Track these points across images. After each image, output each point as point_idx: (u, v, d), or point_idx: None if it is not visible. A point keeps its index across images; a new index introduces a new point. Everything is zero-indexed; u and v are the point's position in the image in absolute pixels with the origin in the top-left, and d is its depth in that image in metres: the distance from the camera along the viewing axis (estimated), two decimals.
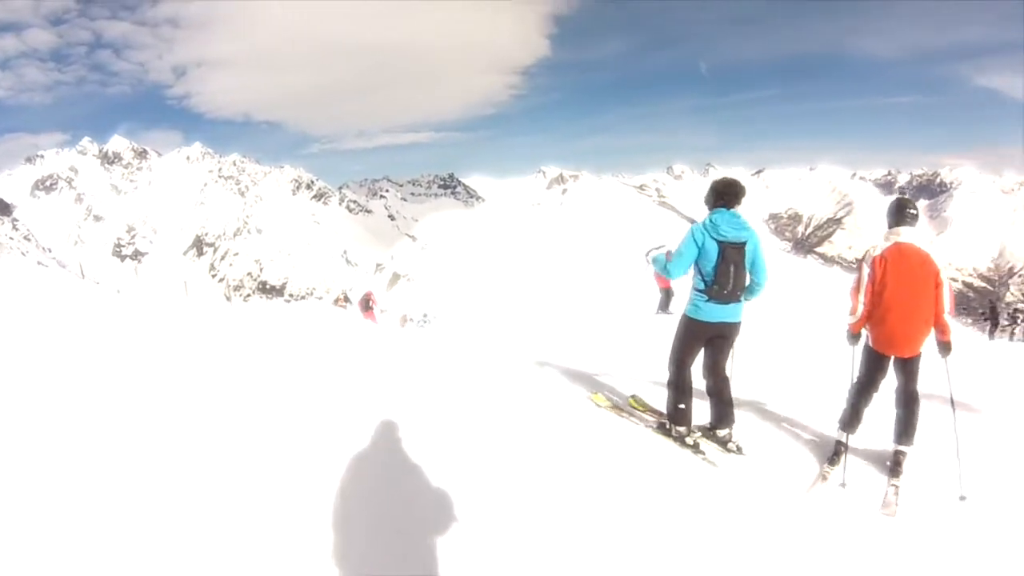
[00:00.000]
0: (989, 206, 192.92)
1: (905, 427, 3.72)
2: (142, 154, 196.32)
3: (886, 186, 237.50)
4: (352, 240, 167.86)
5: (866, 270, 3.70)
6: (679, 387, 4.06)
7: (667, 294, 13.43)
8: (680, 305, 10.46)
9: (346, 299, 18.87)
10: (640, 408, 4.72)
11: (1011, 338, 25.19)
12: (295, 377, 5.14)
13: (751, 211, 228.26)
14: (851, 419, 3.88)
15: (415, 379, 5.41)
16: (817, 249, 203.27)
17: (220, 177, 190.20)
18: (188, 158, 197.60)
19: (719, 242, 3.83)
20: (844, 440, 3.87)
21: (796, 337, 7.98)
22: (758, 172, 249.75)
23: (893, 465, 3.69)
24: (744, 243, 3.87)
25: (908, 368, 3.73)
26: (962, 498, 3.36)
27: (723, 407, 4.08)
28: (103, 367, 4.93)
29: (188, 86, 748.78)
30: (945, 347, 3.69)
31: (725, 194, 3.98)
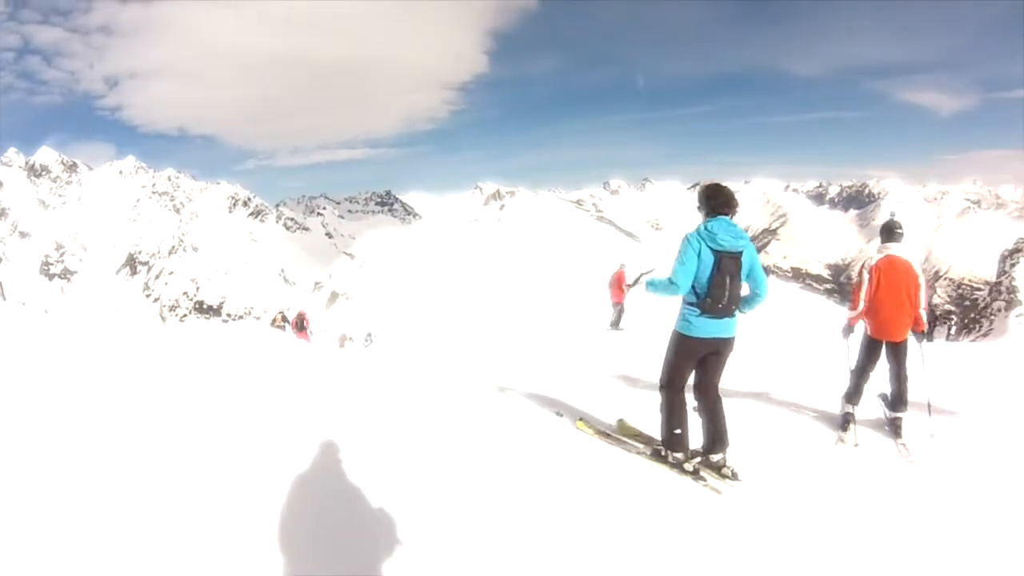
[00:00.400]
0: (914, 215, 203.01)
1: (898, 398, 4.69)
2: (72, 167, 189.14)
3: (818, 198, 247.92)
4: (290, 258, 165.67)
5: (866, 276, 4.72)
6: (673, 410, 3.79)
7: (620, 310, 13.29)
8: (633, 322, 10.16)
9: (284, 319, 18.80)
10: (629, 434, 4.41)
11: (947, 338, 27.43)
12: (239, 400, 4.94)
13: (689, 224, 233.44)
14: (854, 393, 4.78)
15: (375, 406, 5.09)
16: None
17: (154, 193, 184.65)
18: (121, 172, 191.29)
19: (715, 252, 3.57)
20: (851, 411, 4.74)
21: (746, 348, 8.32)
22: (694, 185, 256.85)
23: (894, 428, 4.65)
24: (740, 253, 3.62)
25: (898, 350, 4.70)
26: (932, 435, 4.50)
27: (716, 430, 3.82)
28: (31, 395, 4.65)
29: (121, 97, 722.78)
30: (920, 335, 4.78)
31: (721, 201, 3.72)
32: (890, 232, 4.86)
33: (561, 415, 4.80)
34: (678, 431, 3.77)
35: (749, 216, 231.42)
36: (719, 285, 3.53)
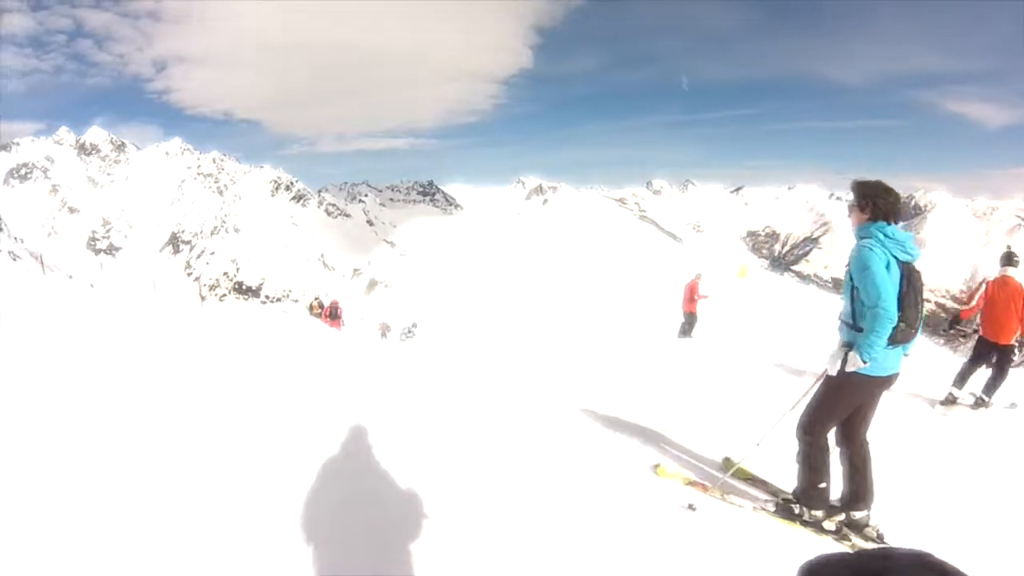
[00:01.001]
0: (962, 230, 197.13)
1: (992, 386, 6.08)
2: (120, 147, 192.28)
3: None
4: (330, 243, 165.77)
5: (983, 287, 6.15)
6: (816, 460, 3.15)
7: (692, 319, 12.36)
8: (704, 332, 10.48)
9: (320, 306, 18.91)
10: (743, 478, 3.66)
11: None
12: (271, 390, 4.79)
13: (730, 228, 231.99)
14: (961, 380, 6.19)
15: (416, 409, 4.82)
16: (793, 267, 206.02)
17: (199, 174, 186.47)
18: (167, 153, 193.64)
19: (903, 263, 2.97)
20: (956, 393, 6.13)
21: (794, 359, 7.46)
22: (737, 189, 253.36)
23: (976, 402, 6.07)
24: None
25: (1004, 351, 6.04)
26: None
27: (862, 482, 3.18)
28: (72, 370, 4.61)
29: (168, 81, 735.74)
30: None
31: (894, 204, 3.10)
32: (1009, 258, 6.13)
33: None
34: (822, 485, 3.19)
35: (791, 223, 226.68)
36: (912, 305, 2.93)
